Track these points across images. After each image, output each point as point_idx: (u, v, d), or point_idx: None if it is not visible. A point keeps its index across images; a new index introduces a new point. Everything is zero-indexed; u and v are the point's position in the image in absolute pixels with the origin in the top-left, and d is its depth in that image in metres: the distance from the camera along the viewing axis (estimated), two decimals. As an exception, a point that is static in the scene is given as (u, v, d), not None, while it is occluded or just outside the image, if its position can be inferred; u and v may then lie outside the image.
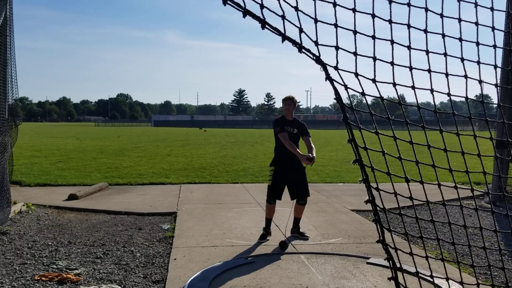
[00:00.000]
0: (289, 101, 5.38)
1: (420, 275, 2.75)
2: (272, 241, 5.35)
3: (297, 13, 2.14)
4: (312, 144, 5.28)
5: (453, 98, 2.63)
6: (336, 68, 2.25)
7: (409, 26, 2.42)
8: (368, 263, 4.56)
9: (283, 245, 4.99)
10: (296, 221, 5.55)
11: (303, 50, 2.20)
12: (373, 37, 2.32)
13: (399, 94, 2.54)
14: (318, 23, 2.21)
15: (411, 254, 2.64)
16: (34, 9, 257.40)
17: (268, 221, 5.47)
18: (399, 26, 2.42)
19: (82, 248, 5.07)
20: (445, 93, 2.60)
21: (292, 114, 5.42)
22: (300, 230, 5.53)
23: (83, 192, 8.40)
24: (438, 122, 2.67)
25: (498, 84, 2.86)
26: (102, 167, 13.00)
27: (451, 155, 2.61)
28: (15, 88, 6.62)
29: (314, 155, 5.12)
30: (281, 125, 5.32)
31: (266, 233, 5.41)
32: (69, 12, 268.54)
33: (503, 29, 4.30)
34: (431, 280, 3.11)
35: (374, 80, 2.36)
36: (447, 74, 2.58)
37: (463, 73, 2.61)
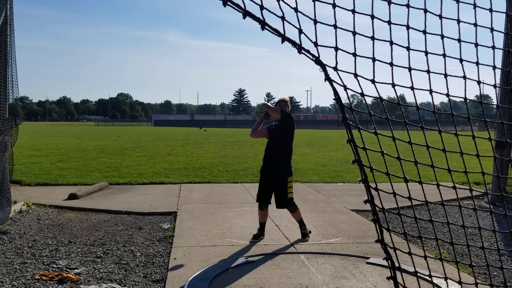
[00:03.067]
0: (279, 104, 5.54)
1: (419, 274, 2.77)
2: (272, 240, 5.37)
3: (297, 14, 2.16)
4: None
5: (453, 98, 2.64)
6: (335, 68, 2.26)
7: (408, 27, 2.43)
8: (367, 263, 4.57)
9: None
10: (298, 223, 5.56)
11: (303, 51, 2.21)
12: (372, 38, 2.33)
13: (398, 94, 2.55)
14: (318, 24, 2.22)
15: (410, 253, 2.65)
16: (35, 9, 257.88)
17: (262, 224, 5.50)
18: (398, 27, 2.44)
19: (82, 247, 5.08)
20: (444, 94, 2.61)
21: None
22: (302, 231, 5.52)
23: (83, 191, 8.41)
24: (437, 122, 2.68)
25: (497, 85, 2.87)
26: (102, 166, 13.02)
27: (450, 155, 2.62)
28: (15, 87, 6.62)
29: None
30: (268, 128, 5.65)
31: (260, 234, 5.44)
32: (70, 12, 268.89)
33: (502, 30, 4.31)
34: (430, 279, 3.12)
35: (373, 81, 2.37)
36: (446, 75, 2.59)
37: (462, 74, 2.62)
